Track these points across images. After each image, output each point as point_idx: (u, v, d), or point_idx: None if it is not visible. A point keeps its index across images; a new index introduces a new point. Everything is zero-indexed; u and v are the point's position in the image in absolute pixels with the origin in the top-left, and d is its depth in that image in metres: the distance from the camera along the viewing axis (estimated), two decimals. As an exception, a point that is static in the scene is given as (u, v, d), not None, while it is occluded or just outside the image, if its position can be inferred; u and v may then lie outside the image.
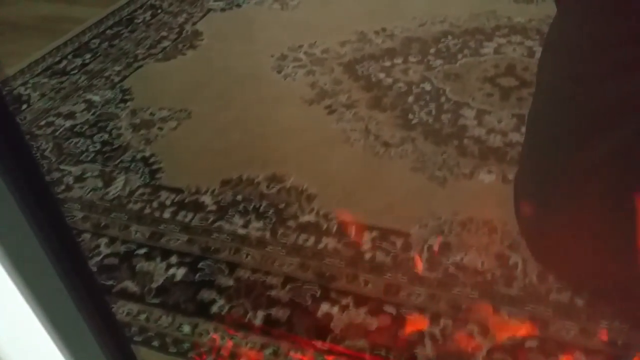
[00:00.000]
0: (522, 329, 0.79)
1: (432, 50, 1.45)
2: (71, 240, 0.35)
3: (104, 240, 1.00)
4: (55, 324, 0.35)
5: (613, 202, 0.70)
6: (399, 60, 1.43)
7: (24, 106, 1.41)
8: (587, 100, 0.75)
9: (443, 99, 1.28)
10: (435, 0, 1.70)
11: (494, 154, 1.11)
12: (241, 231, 0.99)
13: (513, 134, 1.15)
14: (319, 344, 0.80)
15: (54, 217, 0.33)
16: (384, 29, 1.56)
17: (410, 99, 1.29)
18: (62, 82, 1.49)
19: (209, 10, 1.77)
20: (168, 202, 1.07)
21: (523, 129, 1.14)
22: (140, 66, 1.52)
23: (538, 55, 1.38)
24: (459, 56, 1.42)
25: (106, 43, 1.65)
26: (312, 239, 0.96)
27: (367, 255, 0.92)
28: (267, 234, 0.98)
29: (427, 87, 1.32)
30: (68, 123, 1.32)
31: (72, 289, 0.35)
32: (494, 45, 1.45)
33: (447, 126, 1.19)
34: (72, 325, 0.36)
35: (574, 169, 0.73)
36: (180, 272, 0.93)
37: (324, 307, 0.84)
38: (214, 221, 1.02)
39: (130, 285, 0.92)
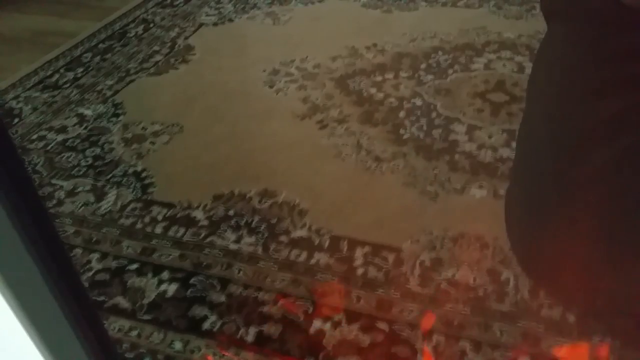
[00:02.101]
0: (514, 346, 0.79)
1: (423, 66, 1.47)
2: (62, 252, 0.35)
3: (95, 256, 1.00)
4: (44, 339, 0.34)
5: (605, 219, 0.70)
6: (390, 76, 1.44)
7: (16, 120, 1.40)
8: (579, 117, 0.76)
9: (434, 114, 1.29)
10: (425, 16, 1.72)
11: (485, 169, 1.12)
12: (233, 246, 0.99)
13: (503, 150, 1.16)
14: (311, 360, 0.79)
15: (44, 228, 0.33)
16: (375, 44, 1.58)
17: (402, 114, 1.30)
18: (54, 96, 1.48)
19: (201, 25, 1.78)
20: (160, 217, 1.07)
21: (513, 145, 1.15)
22: (133, 80, 1.52)
23: (528, 70, 1.40)
24: (450, 71, 1.44)
25: (98, 57, 1.65)
26: (304, 255, 0.96)
27: (359, 271, 0.93)
28: (259, 250, 0.98)
29: (418, 102, 1.33)
30: (60, 137, 1.32)
31: (63, 302, 0.35)
32: (484, 61, 1.47)
33: (438, 141, 1.20)
34: (63, 340, 0.36)
35: (565, 186, 0.74)
36: (172, 288, 0.92)
37: (316, 324, 0.84)
38: (205, 236, 1.02)
39: (122, 301, 0.91)
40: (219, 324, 0.86)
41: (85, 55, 1.67)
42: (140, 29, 1.79)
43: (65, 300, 0.34)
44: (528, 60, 1.44)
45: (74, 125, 1.36)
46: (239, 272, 0.94)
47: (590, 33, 0.85)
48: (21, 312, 0.32)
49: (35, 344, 0.34)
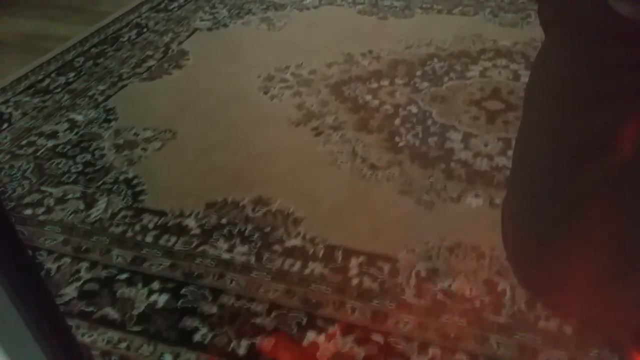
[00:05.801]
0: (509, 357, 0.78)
1: (419, 73, 1.46)
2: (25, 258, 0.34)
3: (84, 265, 0.98)
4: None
5: (602, 231, 0.69)
6: (385, 83, 1.43)
7: (5, 125, 1.38)
8: (577, 128, 0.75)
9: (429, 121, 1.28)
10: (421, 23, 1.71)
11: (481, 177, 1.10)
12: (225, 256, 0.97)
13: (499, 158, 1.15)
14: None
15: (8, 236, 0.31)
16: (370, 51, 1.57)
17: (397, 121, 1.28)
18: (44, 101, 1.46)
19: (195, 30, 1.77)
20: (151, 226, 1.05)
21: (509, 153, 1.14)
22: (125, 85, 1.50)
23: (523, 78, 1.39)
24: (445, 79, 1.43)
25: (90, 62, 1.63)
26: (298, 264, 0.95)
27: (354, 281, 0.91)
28: (252, 259, 0.96)
29: (414, 109, 1.32)
30: (50, 143, 1.30)
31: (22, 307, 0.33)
32: (479, 69, 1.46)
33: (434, 149, 1.19)
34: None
35: (564, 197, 0.73)
36: (162, 299, 0.90)
37: (310, 336, 0.83)
38: (197, 245, 1.00)
39: (111, 312, 0.89)
40: (210, 336, 0.84)
41: (77, 59, 1.65)
42: (133, 33, 1.77)
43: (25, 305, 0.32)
44: (524, 68, 1.44)
45: (65, 130, 1.34)
46: (231, 282, 0.92)
47: (587, 43, 0.84)
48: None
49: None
